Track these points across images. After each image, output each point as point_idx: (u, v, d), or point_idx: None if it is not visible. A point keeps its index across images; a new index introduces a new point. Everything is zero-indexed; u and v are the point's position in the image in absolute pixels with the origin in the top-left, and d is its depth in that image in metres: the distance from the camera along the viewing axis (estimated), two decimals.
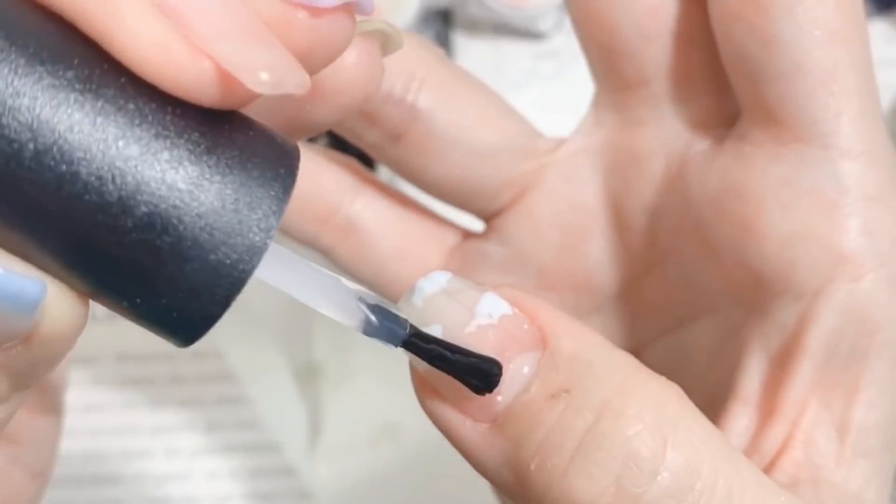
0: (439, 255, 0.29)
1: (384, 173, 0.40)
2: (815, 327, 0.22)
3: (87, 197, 0.16)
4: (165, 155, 0.16)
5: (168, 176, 0.16)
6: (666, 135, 0.26)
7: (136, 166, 0.16)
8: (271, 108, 0.20)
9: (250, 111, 0.19)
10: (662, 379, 0.20)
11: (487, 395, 0.19)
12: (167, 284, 0.17)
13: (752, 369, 0.23)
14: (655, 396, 0.19)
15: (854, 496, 0.22)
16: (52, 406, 0.28)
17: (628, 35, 0.25)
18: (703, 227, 0.25)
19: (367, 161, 0.30)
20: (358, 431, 0.44)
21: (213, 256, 0.17)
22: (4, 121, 0.15)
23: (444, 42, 0.48)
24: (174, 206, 0.16)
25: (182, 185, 0.16)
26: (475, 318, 0.19)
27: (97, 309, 0.18)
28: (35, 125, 0.16)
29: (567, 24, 0.48)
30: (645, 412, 0.19)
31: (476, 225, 0.30)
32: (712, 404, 0.23)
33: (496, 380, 0.19)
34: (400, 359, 0.33)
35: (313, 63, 0.18)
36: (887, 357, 0.23)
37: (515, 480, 0.19)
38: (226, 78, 0.16)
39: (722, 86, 0.25)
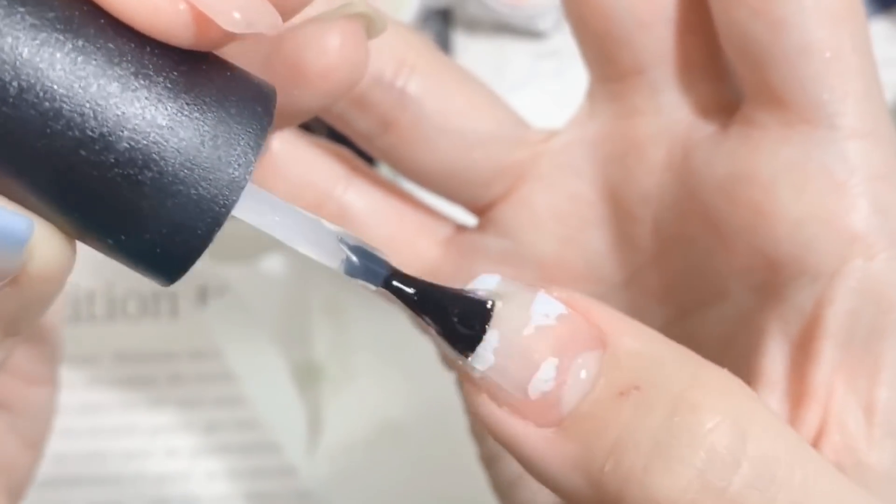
0: (433, 245, 0.29)
1: (385, 171, 0.40)
2: (834, 308, 0.22)
3: (69, 133, 0.17)
4: (144, 92, 0.17)
5: (148, 112, 0.17)
6: (665, 123, 0.26)
7: (116, 103, 0.17)
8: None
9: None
10: (726, 371, 0.20)
11: (550, 397, 0.19)
12: (150, 219, 0.17)
13: (774, 354, 0.23)
14: (726, 388, 0.19)
15: (887, 476, 0.22)
16: (47, 376, 0.28)
17: (624, 23, 0.25)
18: (712, 213, 0.25)
19: (368, 158, 0.30)
20: (358, 431, 0.44)
21: (193, 191, 0.17)
22: None
23: (444, 42, 0.48)
24: (155, 142, 0.17)
25: (162, 121, 0.17)
26: (532, 319, 0.19)
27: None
28: (18, 64, 0.16)
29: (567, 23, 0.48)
30: (719, 404, 0.19)
31: (468, 221, 0.30)
32: None
33: (487, 320, 0.19)
34: (400, 358, 0.33)
35: (288, 6, 0.18)
36: None
37: (588, 485, 0.19)
38: (200, 18, 0.17)
39: (720, 73, 0.25)
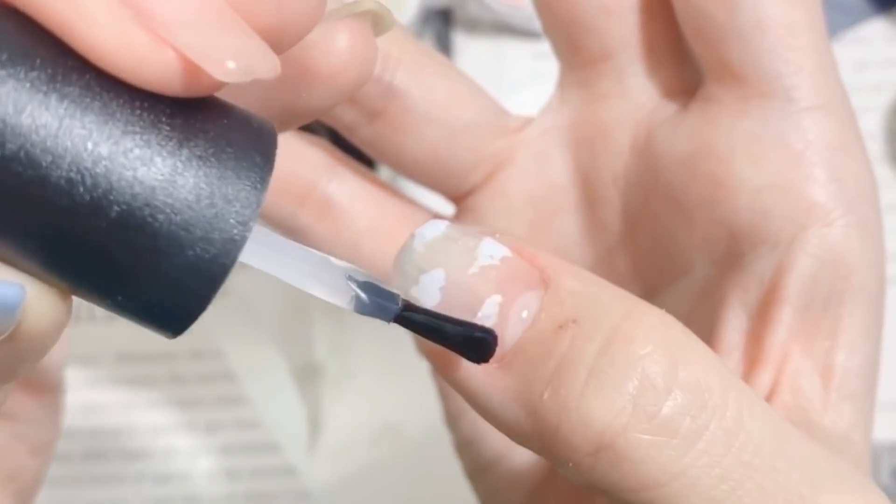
0: None
1: (385, 173, 0.40)
2: (792, 274, 0.23)
3: (57, 200, 0.16)
4: (136, 152, 0.16)
5: (140, 173, 0.16)
6: (630, 106, 0.26)
7: (106, 166, 0.16)
8: (265, 96, 0.19)
9: (244, 99, 0.18)
10: (662, 310, 0.20)
11: (494, 331, 0.19)
12: (146, 282, 0.16)
13: (732, 321, 0.24)
14: (660, 321, 0.20)
15: (843, 438, 0.23)
16: (51, 384, 0.28)
17: (590, 10, 0.25)
18: (674, 189, 0.25)
19: (367, 160, 0.30)
20: (358, 431, 0.44)
21: (190, 252, 0.16)
22: None
23: (444, 42, 0.48)
24: (147, 204, 0.16)
25: (155, 183, 0.16)
26: (477, 259, 0.20)
27: (97, 309, 0.18)
28: None
29: None
30: (653, 334, 0.19)
31: (446, 211, 0.30)
32: None
33: (491, 349, 0.19)
34: (399, 359, 0.33)
35: (283, 42, 0.17)
36: (862, 300, 0.23)
37: (527, 415, 0.20)
38: (191, 67, 0.16)
39: (682, 56, 0.26)
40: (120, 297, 0.17)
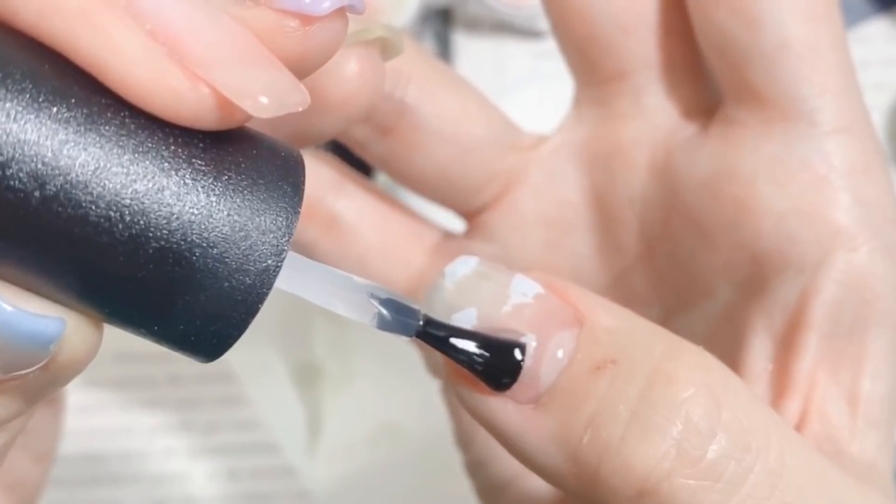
0: (422, 251, 0.29)
1: (383, 180, 0.40)
2: (818, 300, 0.23)
3: (97, 238, 0.16)
4: (173, 188, 0.16)
5: (176, 209, 0.16)
6: (648, 125, 0.26)
7: (143, 203, 0.16)
8: (277, 122, 0.19)
9: (260, 125, 0.18)
10: (700, 347, 0.20)
11: (528, 375, 0.19)
12: (183, 313, 0.17)
13: (756, 348, 0.24)
14: (700, 361, 0.19)
15: (870, 466, 0.22)
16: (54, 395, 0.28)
17: (607, 28, 0.25)
18: (696, 212, 0.25)
19: (365, 169, 0.30)
20: (357, 431, 0.44)
21: (226, 284, 0.17)
22: (8, 171, 0.15)
23: (444, 42, 0.48)
24: (185, 240, 0.16)
25: (191, 217, 0.16)
26: (510, 297, 0.19)
27: None
28: (38, 173, 0.15)
29: None
30: (695, 376, 0.19)
31: (456, 226, 0.30)
32: None
33: (520, 364, 0.19)
34: (399, 359, 0.33)
35: (306, 69, 0.18)
36: (886, 326, 0.23)
37: (566, 459, 0.19)
38: (225, 102, 0.16)
39: (700, 75, 0.26)
40: (157, 328, 0.17)
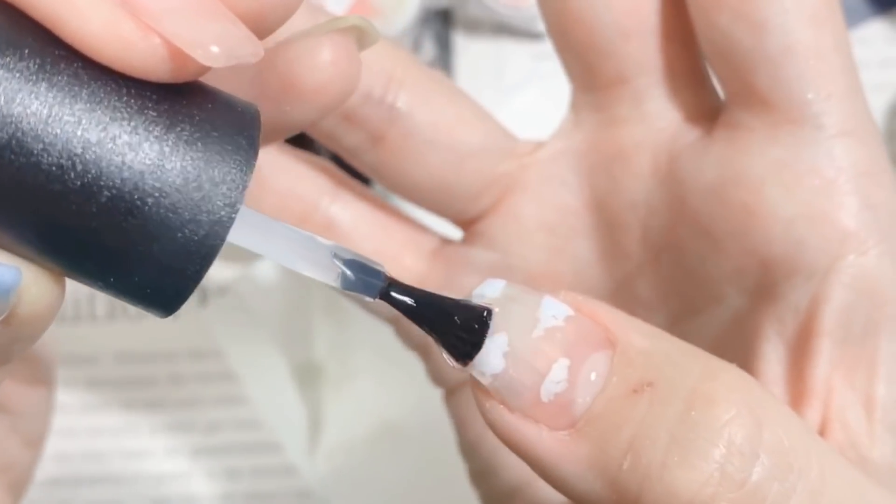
0: (420, 258, 0.29)
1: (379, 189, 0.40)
2: (829, 305, 0.23)
3: (49, 187, 0.16)
4: (125, 138, 0.16)
5: (128, 158, 0.16)
6: (650, 130, 0.26)
7: (95, 152, 0.16)
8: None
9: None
10: (735, 365, 0.20)
11: (563, 399, 0.19)
12: (137, 263, 0.17)
13: (770, 355, 0.23)
14: (738, 381, 0.19)
15: (890, 470, 0.22)
16: (43, 378, 0.29)
17: (607, 33, 0.25)
18: (703, 218, 0.25)
19: (363, 178, 0.30)
20: (358, 431, 0.44)
21: (179, 234, 0.17)
22: None
23: (443, 42, 0.48)
24: (136, 188, 0.16)
25: (143, 167, 0.17)
26: (540, 321, 0.19)
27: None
28: None
29: None
30: (734, 396, 0.19)
31: (453, 234, 0.29)
32: None
33: (485, 327, 0.19)
34: (400, 358, 0.33)
35: (263, 28, 0.18)
36: None
37: (605, 485, 0.19)
38: (177, 53, 0.16)
39: (701, 80, 0.26)
40: (112, 279, 0.17)
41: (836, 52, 0.23)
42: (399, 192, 0.28)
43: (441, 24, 0.48)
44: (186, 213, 0.17)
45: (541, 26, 0.46)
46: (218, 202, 0.17)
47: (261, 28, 0.18)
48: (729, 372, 0.19)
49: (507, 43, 0.48)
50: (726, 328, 0.25)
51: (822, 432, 0.22)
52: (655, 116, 0.26)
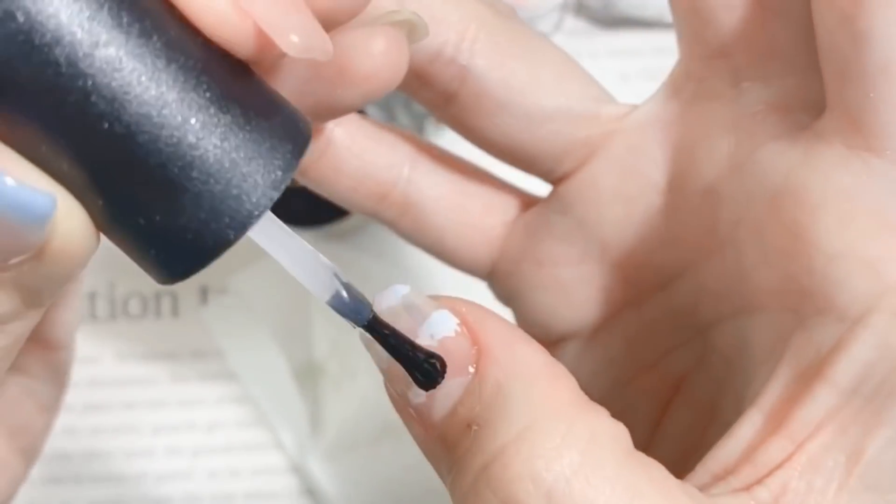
0: (499, 227, 0.29)
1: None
2: (849, 356, 0.21)
3: (126, 133, 0.17)
4: (201, 101, 0.18)
5: (198, 122, 0.18)
6: (741, 113, 0.24)
7: (172, 110, 0.18)
8: (304, 90, 0.21)
9: (286, 86, 0.21)
10: (576, 420, 0.20)
11: (422, 409, 0.21)
12: (191, 201, 0.18)
13: (773, 382, 0.22)
14: (556, 447, 0.20)
15: None
16: (64, 340, 0.29)
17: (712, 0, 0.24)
18: (760, 226, 0.23)
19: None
20: (358, 431, 0.44)
21: (234, 189, 0.18)
22: (54, 51, 0.17)
23: None
24: (177, 154, 0.18)
25: (189, 139, 0.18)
26: (418, 337, 0.21)
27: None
28: (74, 58, 0.17)
29: (567, 24, 0.48)
30: (537, 462, 0.19)
31: (540, 191, 0.29)
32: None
33: (437, 380, 0.21)
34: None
35: (331, 25, 0.19)
36: None
37: (448, 477, 0.21)
38: (261, 35, 0.18)
39: (811, 67, 0.23)
40: (158, 216, 0.18)
41: None
42: (478, 146, 0.28)
43: None
44: (239, 175, 0.18)
45: (541, 26, 0.47)
46: (266, 178, 0.18)
47: (328, 25, 0.19)
48: (549, 435, 0.20)
49: None
50: (772, 338, 0.24)
51: (776, 469, 0.21)
52: (750, 98, 0.24)
